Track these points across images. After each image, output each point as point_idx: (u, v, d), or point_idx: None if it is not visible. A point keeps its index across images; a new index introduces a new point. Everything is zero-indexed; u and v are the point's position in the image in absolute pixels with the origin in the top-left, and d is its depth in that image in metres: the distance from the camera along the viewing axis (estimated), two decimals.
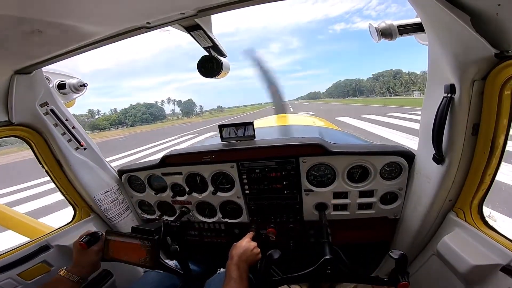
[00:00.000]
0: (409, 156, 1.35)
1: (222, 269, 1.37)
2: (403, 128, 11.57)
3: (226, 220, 1.73)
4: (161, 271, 1.37)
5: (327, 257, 1.08)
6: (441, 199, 1.14)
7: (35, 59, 1.10)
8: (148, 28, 0.95)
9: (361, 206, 1.50)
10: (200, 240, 1.87)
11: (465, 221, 1.09)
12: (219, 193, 1.63)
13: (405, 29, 1.03)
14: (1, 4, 0.65)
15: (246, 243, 1.31)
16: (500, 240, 0.94)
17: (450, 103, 0.91)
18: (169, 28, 1.01)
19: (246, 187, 1.59)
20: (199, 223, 1.81)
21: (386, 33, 1.03)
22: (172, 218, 1.73)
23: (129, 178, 1.82)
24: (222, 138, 1.58)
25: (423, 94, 1.14)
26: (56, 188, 1.61)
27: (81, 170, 1.55)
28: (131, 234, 1.24)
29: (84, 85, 1.61)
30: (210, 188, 1.64)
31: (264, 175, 1.54)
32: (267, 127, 2.70)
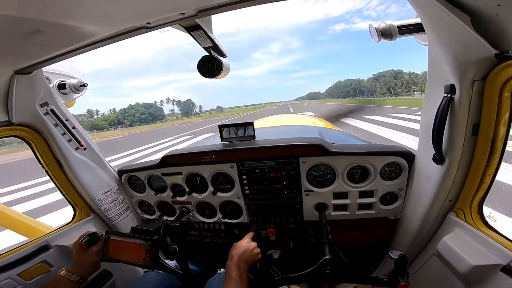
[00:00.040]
0: (409, 156, 1.35)
1: (222, 269, 1.37)
2: (408, 130, 11.20)
3: (226, 220, 1.72)
4: (161, 271, 1.37)
5: (327, 257, 1.08)
6: (441, 199, 1.14)
7: (35, 59, 1.10)
8: (148, 28, 0.95)
9: (361, 207, 1.50)
10: (200, 240, 1.87)
11: (465, 221, 1.09)
12: (219, 193, 1.63)
13: (405, 30, 1.03)
14: (1, 4, 0.65)
15: (246, 243, 1.31)
16: (500, 241, 0.94)
17: (450, 103, 0.91)
18: (169, 28, 1.01)
19: (246, 187, 1.59)
20: (199, 223, 1.81)
21: (386, 34, 1.03)
22: (172, 218, 1.73)
23: (129, 178, 1.81)
24: (222, 138, 1.58)
25: (424, 94, 1.14)
26: (56, 188, 1.61)
27: (81, 170, 1.55)
28: (130, 234, 1.24)
29: (84, 85, 1.61)
30: (210, 188, 1.64)
31: (264, 175, 1.54)
32: (267, 128, 2.70)
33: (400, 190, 1.41)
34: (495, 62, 0.79)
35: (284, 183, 1.53)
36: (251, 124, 1.53)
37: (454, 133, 0.96)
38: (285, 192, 1.55)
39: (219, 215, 1.72)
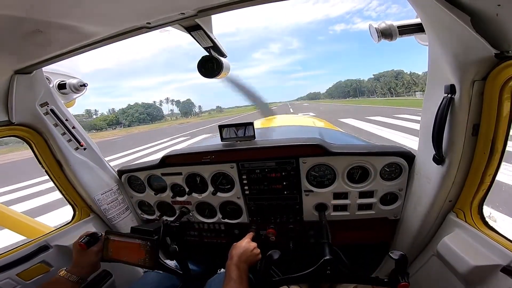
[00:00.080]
0: (409, 156, 1.35)
1: (222, 270, 1.37)
2: (416, 132, 10.93)
3: (226, 220, 1.72)
4: (160, 272, 1.37)
5: (327, 257, 1.08)
6: (441, 200, 1.13)
7: (35, 59, 1.10)
8: (148, 28, 0.95)
9: (361, 207, 1.50)
10: (200, 240, 1.86)
11: (465, 221, 1.09)
12: (219, 194, 1.63)
13: (405, 30, 1.03)
14: (1, 4, 0.65)
15: (246, 244, 1.31)
16: (500, 241, 0.94)
17: (450, 103, 0.91)
18: (169, 28, 1.01)
19: (246, 187, 1.58)
20: (199, 224, 1.81)
21: (386, 34, 1.03)
22: (172, 219, 1.73)
23: (129, 178, 1.81)
24: (222, 139, 1.58)
25: (424, 94, 1.14)
26: (56, 188, 1.61)
27: (81, 170, 1.55)
28: (130, 234, 1.24)
29: (84, 85, 1.61)
30: (210, 189, 1.63)
31: (264, 176, 1.54)
32: (267, 128, 2.70)
33: (400, 191, 1.41)
34: (495, 62, 0.79)
35: (284, 183, 1.53)
36: (251, 124, 1.53)
37: (454, 133, 0.96)
38: (285, 192, 1.55)
39: (219, 215, 1.72)
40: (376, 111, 23.36)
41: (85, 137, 1.59)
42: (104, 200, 1.67)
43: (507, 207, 3.63)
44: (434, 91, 1.01)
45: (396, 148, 1.40)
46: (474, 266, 0.94)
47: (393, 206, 1.46)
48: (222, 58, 1.21)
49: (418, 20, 0.99)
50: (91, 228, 1.61)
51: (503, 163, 0.96)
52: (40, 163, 1.51)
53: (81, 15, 0.82)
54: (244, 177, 1.56)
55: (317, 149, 1.42)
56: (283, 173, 1.51)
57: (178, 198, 1.73)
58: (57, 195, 7.14)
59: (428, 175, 1.16)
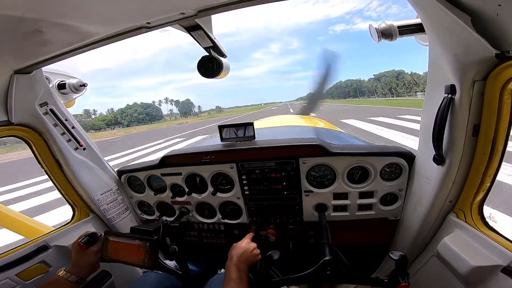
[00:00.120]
0: (409, 157, 1.35)
1: (222, 270, 1.37)
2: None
3: (226, 221, 1.72)
4: (160, 272, 1.36)
5: (327, 258, 1.08)
6: (441, 200, 1.13)
7: (35, 59, 1.10)
8: (148, 28, 0.95)
9: (361, 207, 1.50)
10: (199, 240, 1.86)
11: (466, 222, 1.08)
12: (218, 194, 1.63)
13: (405, 30, 1.03)
14: (1, 4, 0.65)
15: (246, 244, 1.30)
16: (501, 241, 0.94)
17: (450, 103, 0.91)
18: (169, 28, 1.01)
19: (245, 187, 1.58)
20: (198, 224, 1.80)
21: (386, 34, 1.03)
22: (171, 219, 1.73)
23: (129, 178, 1.81)
24: (222, 139, 1.58)
25: (424, 95, 1.14)
26: (55, 188, 1.60)
27: (80, 170, 1.54)
28: (130, 234, 1.24)
29: (84, 85, 1.60)
30: (210, 189, 1.63)
31: (264, 176, 1.54)
32: (267, 128, 2.70)
33: (400, 191, 1.41)
34: (496, 62, 0.79)
35: (284, 183, 1.53)
36: (251, 124, 1.53)
37: (455, 134, 0.96)
38: (285, 192, 1.55)
39: (219, 216, 1.72)
40: (378, 111, 22.82)
41: (85, 137, 1.59)
42: (104, 200, 1.67)
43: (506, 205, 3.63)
44: (434, 91, 1.01)
45: (396, 149, 1.39)
46: (474, 267, 0.94)
47: (393, 207, 1.46)
48: (222, 58, 1.20)
49: (418, 20, 0.99)
50: (90, 228, 1.61)
51: (503, 163, 0.96)
52: (39, 163, 1.51)
53: (81, 15, 0.82)
54: (244, 177, 1.56)
55: (317, 149, 1.41)
56: (283, 174, 1.51)
57: (178, 198, 1.72)
58: (53, 195, 7.14)
59: (428, 176, 1.16)
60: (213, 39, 1.10)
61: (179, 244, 1.32)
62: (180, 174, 1.65)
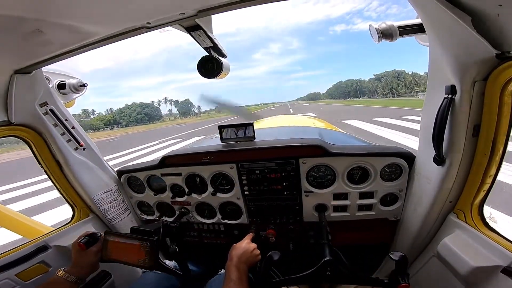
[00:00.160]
0: (409, 157, 1.34)
1: (223, 270, 1.37)
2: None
3: (226, 221, 1.72)
4: (159, 272, 1.36)
5: (327, 258, 1.08)
6: (441, 201, 1.13)
7: (35, 59, 1.10)
8: (148, 28, 0.95)
9: (361, 208, 1.49)
10: (199, 241, 1.86)
11: (466, 222, 1.08)
12: (218, 194, 1.63)
13: (405, 30, 1.03)
14: (1, 4, 0.65)
15: (246, 245, 1.30)
16: (501, 242, 0.94)
17: (450, 104, 0.91)
18: (169, 28, 1.01)
19: (245, 188, 1.58)
20: (198, 224, 1.80)
21: (386, 34, 1.03)
22: (171, 219, 1.73)
23: (129, 178, 1.81)
24: (222, 139, 1.58)
25: (425, 95, 1.14)
26: (55, 188, 1.60)
27: (80, 170, 1.54)
28: (130, 235, 1.24)
29: (84, 85, 1.60)
30: (210, 189, 1.63)
31: (264, 176, 1.54)
32: (267, 128, 2.70)
33: (400, 191, 1.41)
34: (496, 62, 0.78)
35: (284, 184, 1.53)
36: (251, 124, 1.53)
37: (455, 134, 0.96)
38: (285, 193, 1.55)
39: (219, 216, 1.71)
40: (380, 112, 22.06)
41: (85, 137, 1.59)
42: (104, 200, 1.67)
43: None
44: (434, 92, 1.01)
45: (396, 149, 1.39)
46: (474, 267, 0.94)
47: (393, 207, 1.45)
48: (222, 59, 1.20)
49: (418, 21, 0.98)
50: (90, 228, 1.61)
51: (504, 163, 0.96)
52: (39, 163, 1.51)
53: (81, 15, 0.82)
54: (244, 177, 1.56)
55: (317, 149, 1.41)
56: (283, 174, 1.50)
57: (178, 199, 1.72)
58: (49, 195, 7.16)
59: (429, 176, 1.16)
60: (213, 39, 1.10)
61: (179, 245, 1.32)
62: (180, 174, 1.65)
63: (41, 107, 1.36)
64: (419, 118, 1.20)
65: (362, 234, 1.60)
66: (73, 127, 1.51)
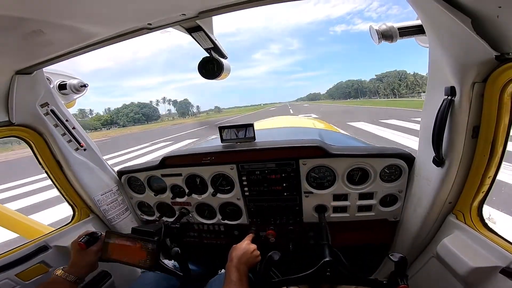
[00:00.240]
0: (409, 158, 1.35)
1: (223, 270, 1.37)
2: None
3: (226, 221, 1.72)
4: (159, 272, 1.36)
5: (327, 259, 1.08)
6: (441, 202, 1.13)
7: (36, 60, 1.11)
8: (149, 29, 0.95)
9: (361, 208, 1.50)
10: (199, 241, 1.86)
11: (465, 223, 1.09)
12: (218, 195, 1.63)
13: (405, 31, 1.03)
14: (2, 4, 0.66)
15: (246, 245, 1.30)
16: (500, 243, 0.94)
17: (450, 105, 0.91)
18: (170, 29, 1.01)
19: (246, 188, 1.58)
20: (198, 225, 1.80)
21: (386, 35, 1.04)
22: (171, 219, 1.73)
23: (129, 179, 1.81)
24: (222, 140, 1.58)
25: (424, 96, 1.14)
26: (56, 188, 1.61)
27: (81, 170, 1.55)
28: (131, 235, 1.23)
29: (84, 85, 1.61)
30: (210, 190, 1.63)
31: (264, 177, 1.54)
32: (268, 129, 2.70)
33: (400, 192, 1.41)
34: (496, 64, 0.79)
35: (284, 184, 1.53)
36: (252, 125, 1.54)
37: (454, 136, 0.96)
38: (285, 193, 1.55)
39: (219, 216, 1.72)
40: (386, 113, 20.70)
41: (85, 138, 1.59)
42: (104, 200, 1.67)
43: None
44: (434, 93, 1.02)
45: (396, 150, 1.39)
46: (473, 268, 0.94)
47: (392, 208, 1.46)
48: (222, 60, 1.21)
49: (418, 22, 0.99)
50: (90, 228, 1.61)
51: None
52: (40, 163, 1.51)
53: (82, 16, 0.82)
54: (244, 178, 1.56)
55: (317, 150, 1.41)
56: (283, 175, 1.51)
57: (178, 199, 1.72)
58: (43, 196, 7.17)
59: (428, 177, 1.16)
60: (214, 40, 1.10)
61: (179, 245, 1.32)
62: (180, 175, 1.65)
63: (42, 107, 1.37)
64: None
65: (362, 235, 1.60)
66: (73, 128, 1.51)
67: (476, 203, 1.07)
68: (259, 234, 1.67)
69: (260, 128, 2.55)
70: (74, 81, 1.55)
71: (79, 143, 1.53)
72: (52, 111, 1.40)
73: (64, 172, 1.53)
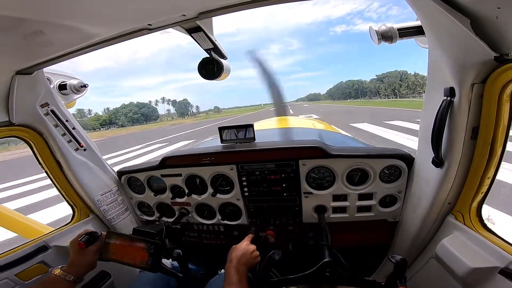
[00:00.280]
0: (408, 159, 1.35)
1: (223, 270, 1.37)
2: None
3: (225, 222, 1.72)
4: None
5: (326, 260, 1.08)
6: (440, 202, 1.14)
7: (36, 60, 1.11)
8: (149, 30, 0.96)
9: (360, 209, 1.50)
10: (199, 241, 1.86)
11: (464, 224, 1.09)
12: (218, 195, 1.63)
13: (405, 32, 1.04)
14: (3, 5, 0.66)
15: (246, 246, 1.30)
16: (499, 243, 0.94)
17: (449, 106, 0.91)
18: (170, 30, 1.01)
19: (245, 189, 1.58)
20: (198, 225, 1.81)
21: (386, 36, 1.04)
22: (171, 220, 1.73)
23: (129, 179, 1.81)
24: (222, 140, 1.59)
25: (424, 97, 1.14)
26: (56, 188, 1.61)
27: (81, 171, 1.55)
28: (133, 236, 1.23)
29: (84, 86, 1.61)
30: (210, 190, 1.63)
31: (263, 178, 1.54)
32: (267, 130, 2.70)
33: (399, 193, 1.41)
34: (495, 65, 0.79)
35: (284, 185, 1.53)
36: (251, 126, 1.54)
37: (454, 136, 0.96)
38: (285, 194, 1.55)
39: (218, 217, 1.72)
40: (389, 114, 19.72)
41: (85, 138, 1.59)
42: (104, 201, 1.67)
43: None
44: (433, 94, 1.02)
45: (395, 151, 1.40)
46: (472, 268, 0.94)
47: (392, 208, 1.46)
48: (222, 60, 1.21)
49: (418, 23, 0.99)
50: (90, 228, 1.60)
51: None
52: (40, 163, 1.51)
53: (82, 16, 0.82)
54: (243, 178, 1.56)
55: (316, 151, 1.42)
56: (283, 175, 1.51)
57: (178, 199, 1.73)
58: (38, 197, 7.19)
59: (427, 178, 1.16)
60: (214, 41, 1.10)
61: (178, 245, 1.32)
62: (180, 175, 1.65)
63: (42, 107, 1.37)
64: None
65: (361, 235, 1.60)
66: (73, 128, 1.51)
67: (475, 204, 1.07)
68: (259, 234, 1.67)
69: (260, 128, 2.55)
70: (74, 81, 1.56)
71: (79, 143, 1.54)
72: (52, 111, 1.40)
73: (64, 172, 1.53)
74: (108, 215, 1.69)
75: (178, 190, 1.71)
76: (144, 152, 15.53)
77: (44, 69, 1.29)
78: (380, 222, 1.51)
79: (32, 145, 1.43)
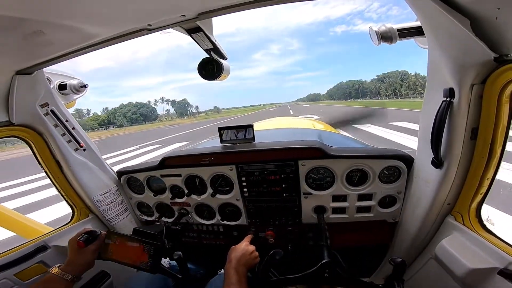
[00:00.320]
0: (408, 160, 1.35)
1: (222, 270, 1.36)
2: None
3: (225, 222, 1.72)
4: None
5: (325, 260, 1.08)
6: (439, 203, 1.14)
7: (36, 60, 1.11)
8: (149, 30, 0.96)
9: (360, 209, 1.50)
10: (198, 241, 1.86)
11: (463, 224, 1.09)
12: (218, 195, 1.63)
13: (405, 33, 1.04)
14: (3, 5, 0.66)
15: (245, 246, 1.30)
16: (498, 244, 0.94)
17: (449, 107, 0.91)
18: (170, 30, 1.01)
19: (245, 189, 1.58)
20: (197, 225, 1.81)
21: (386, 37, 1.04)
22: (171, 220, 1.73)
23: (128, 179, 1.81)
24: (221, 141, 1.59)
25: (423, 97, 1.14)
26: (55, 188, 1.60)
27: (80, 171, 1.55)
28: (133, 236, 1.22)
29: (84, 86, 1.61)
30: (209, 190, 1.63)
31: (263, 178, 1.54)
32: (267, 130, 2.70)
33: (398, 193, 1.41)
34: (494, 66, 0.79)
35: (283, 185, 1.53)
36: (251, 126, 1.54)
37: (453, 137, 0.96)
38: (284, 194, 1.55)
39: (218, 217, 1.72)
40: (393, 114, 18.36)
41: (85, 138, 1.59)
42: (103, 201, 1.67)
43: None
44: (433, 94, 1.02)
45: (395, 151, 1.40)
46: (471, 269, 0.94)
47: (391, 209, 1.46)
48: (222, 61, 1.21)
49: (418, 23, 0.99)
50: (89, 228, 1.61)
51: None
52: (39, 163, 1.51)
53: (82, 17, 0.82)
54: (243, 179, 1.56)
55: (316, 152, 1.42)
56: (282, 176, 1.51)
57: (177, 200, 1.73)
58: (32, 198, 7.20)
59: (427, 178, 1.16)
60: (214, 41, 1.10)
61: (178, 246, 1.32)
62: (179, 175, 1.65)
63: (42, 107, 1.37)
64: None
65: (361, 236, 1.60)
66: (73, 128, 1.51)
67: (474, 205, 1.07)
68: (258, 235, 1.67)
69: (259, 129, 2.55)
70: (74, 82, 1.56)
71: (78, 143, 1.54)
72: (52, 111, 1.41)
73: (63, 172, 1.53)
74: (107, 215, 1.69)
75: (177, 190, 1.71)
76: (137, 154, 14.80)
77: (44, 69, 1.30)
78: (380, 223, 1.51)
79: (32, 145, 1.43)
